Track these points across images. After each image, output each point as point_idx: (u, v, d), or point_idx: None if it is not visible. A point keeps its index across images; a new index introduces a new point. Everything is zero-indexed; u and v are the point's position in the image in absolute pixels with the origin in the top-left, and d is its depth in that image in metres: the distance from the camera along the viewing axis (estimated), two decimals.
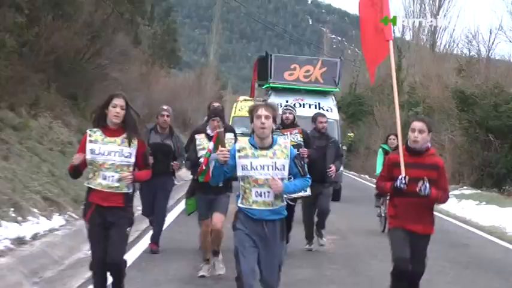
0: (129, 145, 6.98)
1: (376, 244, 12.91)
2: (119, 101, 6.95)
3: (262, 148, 6.70)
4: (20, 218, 10.50)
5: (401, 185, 7.19)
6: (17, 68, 17.47)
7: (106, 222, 6.93)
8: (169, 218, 13.42)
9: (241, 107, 23.44)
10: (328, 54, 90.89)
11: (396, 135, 11.89)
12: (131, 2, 22.94)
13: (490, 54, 36.26)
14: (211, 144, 8.17)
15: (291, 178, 6.84)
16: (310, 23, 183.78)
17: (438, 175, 7.31)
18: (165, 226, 11.29)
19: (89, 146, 6.90)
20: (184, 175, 18.31)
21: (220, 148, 6.75)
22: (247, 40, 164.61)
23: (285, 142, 6.93)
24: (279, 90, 20.86)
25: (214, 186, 7.91)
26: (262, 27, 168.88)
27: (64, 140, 17.47)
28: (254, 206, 6.65)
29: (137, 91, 27.42)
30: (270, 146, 6.73)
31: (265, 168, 6.67)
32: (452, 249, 13.05)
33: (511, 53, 43.88)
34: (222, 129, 7.43)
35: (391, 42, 8.27)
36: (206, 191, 8.92)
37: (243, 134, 14.51)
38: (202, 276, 9.21)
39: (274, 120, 6.80)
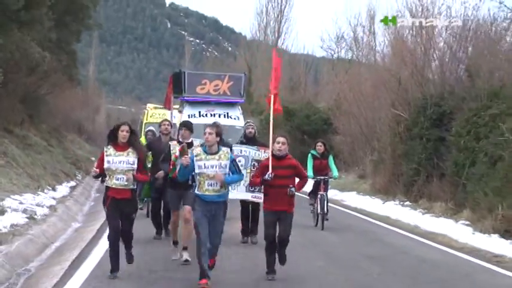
0: (133, 155, 9.12)
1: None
2: (125, 128, 9.15)
3: (211, 153, 8.84)
4: (59, 183, 22.28)
5: (268, 178, 9.42)
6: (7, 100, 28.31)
7: (119, 208, 9.23)
8: None
9: (151, 114, 26.48)
10: (189, 59, 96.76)
11: (323, 143, 16.51)
12: (67, 53, 34.20)
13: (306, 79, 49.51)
14: (178, 152, 9.78)
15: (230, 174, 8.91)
16: (169, 26, 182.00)
17: (296, 171, 9.67)
18: None
19: (106, 159, 9.16)
20: None
21: (184, 156, 8.86)
22: (106, 44, 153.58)
23: (227, 149, 9.04)
24: (192, 103, 22.01)
25: (183, 183, 9.87)
26: (122, 31, 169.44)
27: (41, 144, 28.71)
28: (206, 193, 8.81)
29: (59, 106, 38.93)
30: (216, 152, 8.85)
31: (214, 167, 8.80)
32: None
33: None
34: (185, 144, 9.48)
35: (272, 96, 10.48)
36: (176, 187, 10.73)
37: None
38: (175, 260, 10.85)
39: (218, 134, 8.87)
